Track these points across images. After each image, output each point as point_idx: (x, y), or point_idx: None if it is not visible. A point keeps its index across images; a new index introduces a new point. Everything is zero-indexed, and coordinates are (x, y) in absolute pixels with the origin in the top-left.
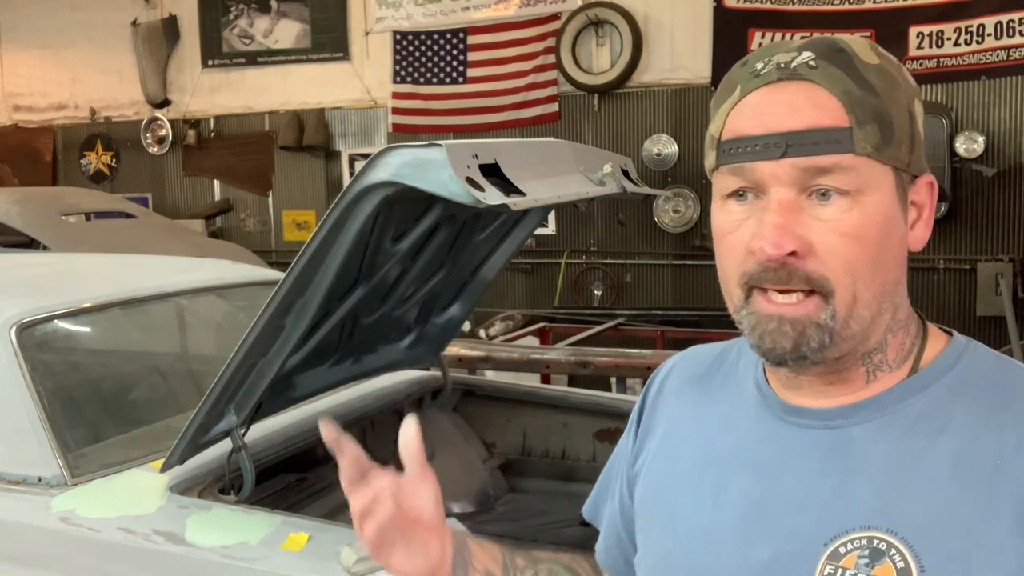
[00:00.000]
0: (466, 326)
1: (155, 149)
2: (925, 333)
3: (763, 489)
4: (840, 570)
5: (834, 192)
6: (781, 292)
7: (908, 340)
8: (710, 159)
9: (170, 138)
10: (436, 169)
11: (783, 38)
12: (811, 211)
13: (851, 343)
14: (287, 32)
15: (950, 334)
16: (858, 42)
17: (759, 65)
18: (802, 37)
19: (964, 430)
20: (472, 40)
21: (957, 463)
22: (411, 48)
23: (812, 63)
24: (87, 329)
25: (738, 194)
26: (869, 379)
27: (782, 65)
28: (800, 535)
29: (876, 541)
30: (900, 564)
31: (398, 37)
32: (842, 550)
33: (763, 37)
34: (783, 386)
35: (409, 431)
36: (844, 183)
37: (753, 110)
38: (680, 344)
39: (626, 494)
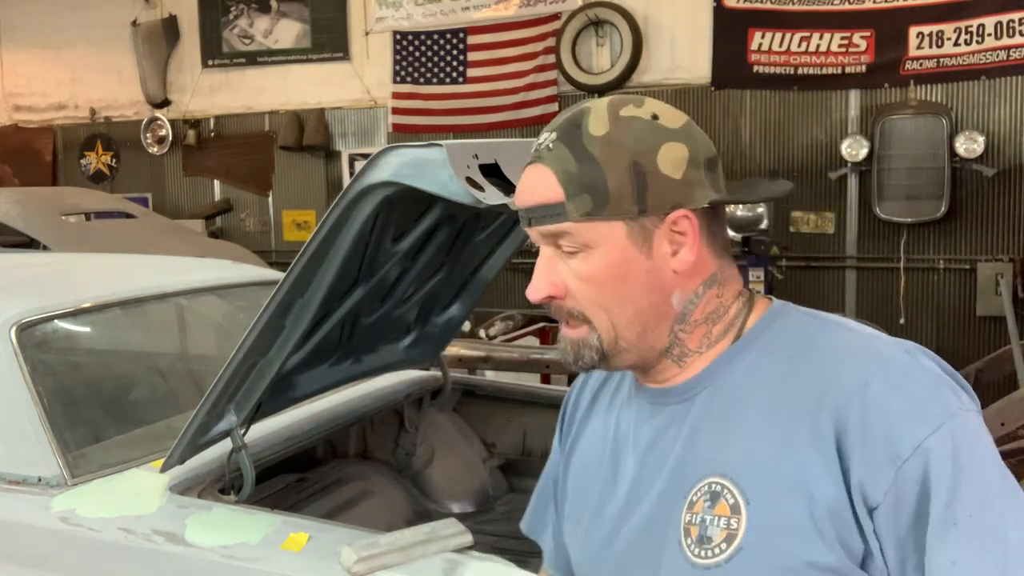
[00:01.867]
0: (466, 326)
1: (155, 149)
2: (750, 309)
3: (639, 463)
4: (694, 515)
5: (572, 251)
6: (568, 322)
7: (718, 327)
8: None
9: (170, 138)
10: (436, 169)
11: (783, 38)
12: (564, 261)
13: (633, 353)
14: (287, 32)
15: (771, 300)
16: (595, 113)
17: (539, 139)
18: (803, 38)
19: (772, 380)
20: (472, 40)
21: (768, 408)
22: (411, 48)
23: (551, 145)
24: (87, 329)
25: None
26: (681, 365)
27: (538, 147)
28: (667, 494)
29: (714, 485)
30: (731, 501)
31: (398, 37)
32: (694, 499)
33: (763, 37)
34: (640, 376)
35: None
36: (570, 243)
37: (519, 186)
38: None
39: (561, 499)
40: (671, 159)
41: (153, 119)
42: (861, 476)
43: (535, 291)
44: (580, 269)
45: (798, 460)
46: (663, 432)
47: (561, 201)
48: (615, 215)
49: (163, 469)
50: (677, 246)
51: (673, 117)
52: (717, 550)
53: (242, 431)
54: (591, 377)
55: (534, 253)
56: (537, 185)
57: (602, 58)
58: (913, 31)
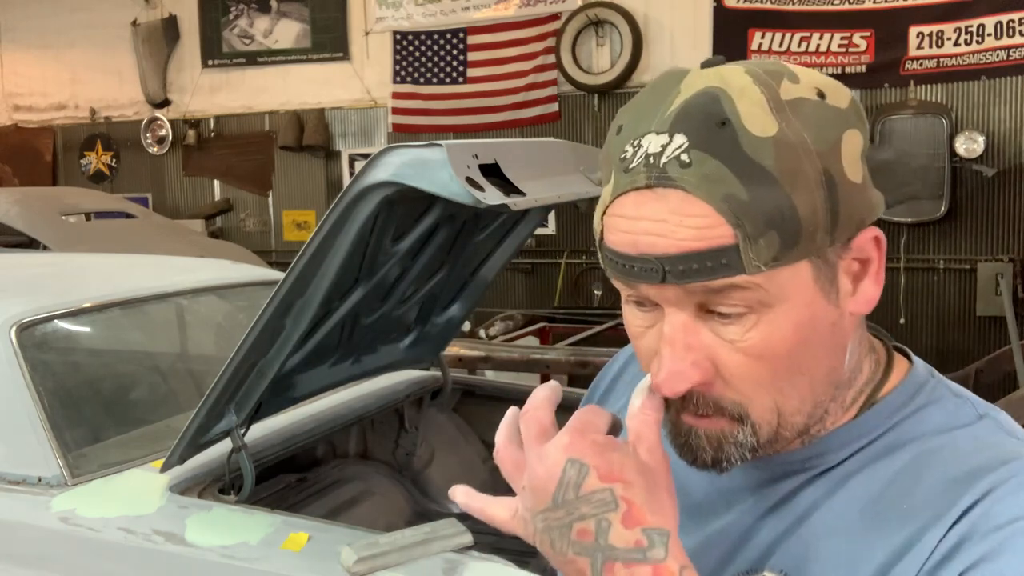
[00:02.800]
0: (466, 326)
1: (155, 149)
2: (886, 366)
3: (691, 528)
4: None
5: (733, 314)
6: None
7: (854, 392)
8: (600, 248)
9: (170, 138)
10: (436, 169)
11: (783, 38)
12: (713, 328)
13: (780, 443)
14: (287, 32)
15: (911, 363)
16: (747, 101)
17: (628, 151)
18: (803, 38)
19: (885, 478)
20: (472, 40)
21: (866, 511)
22: (411, 48)
23: (685, 157)
24: (87, 329)
25: (636, 303)
26: (803, 443)
27: (651, 161)
28: (722, 566)
29: None
30: None
31: (398, 37)
32: None
33: (763, 37)
34: None
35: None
36: (743, 300)
37: (623, 224)
38: None
39: None
40: (852, 156)
41: (153, 119)
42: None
43: (676, 379)
44: (750, 341)
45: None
46: (724, 497)
47: (732, 245)
48: (803, 254)
49: (163, 469)
50: (857, 280)
51: (838, 89)
52: None
53: (242, 431)
54: (629, 367)
55: (534, 253)
56: (679, 222)
57: (602, 58)
58: (913, 31)
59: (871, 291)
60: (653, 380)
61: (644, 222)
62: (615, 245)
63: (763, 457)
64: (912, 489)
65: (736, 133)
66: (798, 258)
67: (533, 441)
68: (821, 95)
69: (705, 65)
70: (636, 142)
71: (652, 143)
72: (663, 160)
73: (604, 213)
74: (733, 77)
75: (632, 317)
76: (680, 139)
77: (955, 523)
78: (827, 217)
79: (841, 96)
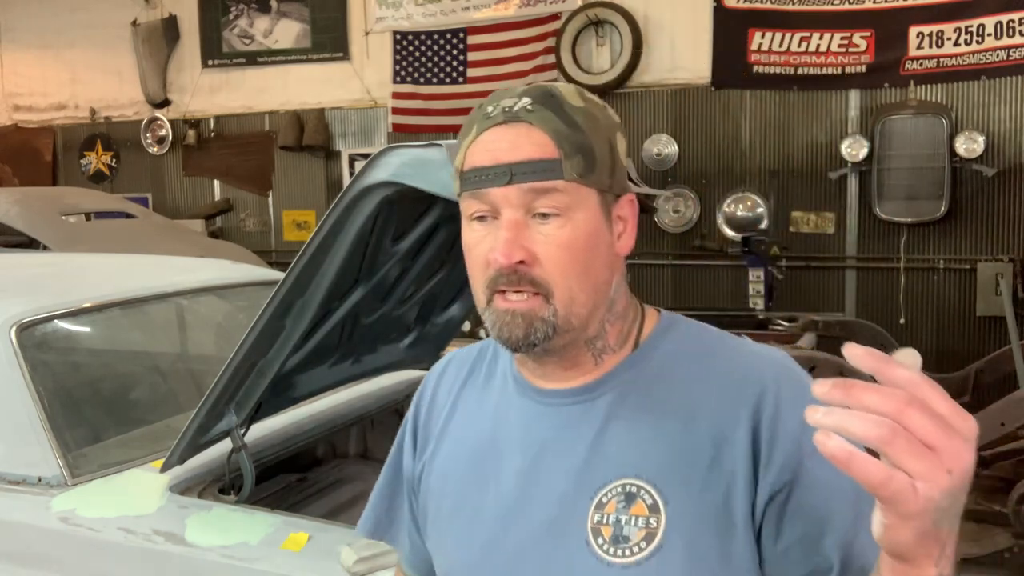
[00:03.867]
0: (466, 326)
1: (155, 149)
2: (643, 317)
3: (532, 463)
4: (606, 515)
5: (551, 214)
6: (514, 292)
7: (626, 326)
8: (456, 187)
9: (170, 138)
10: (436, 169)
11: (783, 38)
12: (535, 228)
13: (574, 333)
14: (287, 32)
15: (659, 311)
16: (567, 88)
17: (489, 109)
18: (803, 38)
19: (679, 385)
20: (472, 40)
21: (680, 409)
22: (411, 48)
23: (529, 107)
24: (87, 329)
25: (479, 217)
26: (597, 362)
27: (506, 109)
28: (570, 497)
29: (628, 487)
30: (649, 501)
31: (398, 37)
32: (604, 500)
33: (763, 37)
34: (532, 375)
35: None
36: (557, 203)
37: (485, 146)
38: None
39: (414, 502)
40: (622, 146)
41: (153, 119)
42: (769, 473)
43: (509, 253)
44: (558, 235)
45: (716, 457)
46: (560, 432)
47: (557, 158)
48: (596, 184)
49: (163, 469)
50: (621, 230)
51: (608, 107)
52: (636, 548)
53: (242, 431)
54: (447, 371)
55: None
56: (525, 141)
57: (602, 58)
58: (913, 31)
59: (628, 241)
60: (491, 255)
61: (501, 142)
62: (475, 163)
63: (554, 390)
64: (701, 393)
65: (560, 101)
66: (592, 185)
67: (961, 427)
68: (603, 105)
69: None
70: (495, 104)
71: (507, 102)
72: (515, 108)
73: (467, 149)
74: (558, 84)
75: (471, 233)
76: (526, 100)
77: (754, 426)
78: (610, 165)
79: (612, 112)
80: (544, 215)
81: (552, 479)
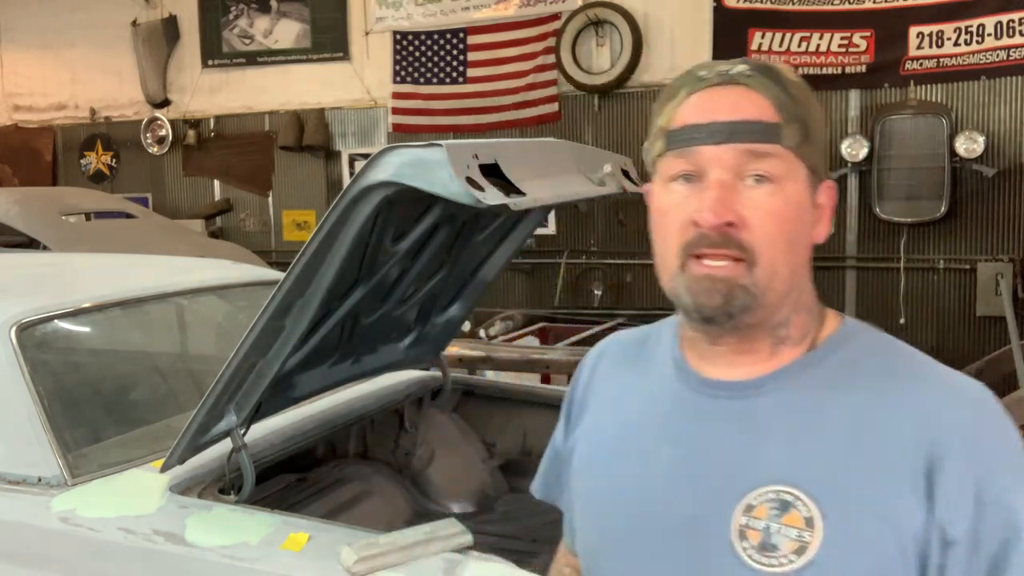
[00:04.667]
0: (466, 326)
1: (155, 149)
2: (823, 318)
3: (683, 455)
4: (754, 520)
5: (764, 178)
6: (713, 257)
7: (810, 322)
8: (657, 147)
9: (170, 138)
10: (436, 169)
11: (783, 38)
12: (744, 192)
13: (766, 311)
14: (287, 32)
15: (843, 316)
16: (780, 64)
17: (702, 72)
18: (803, 38)
19: (856, 397)
20: (472, 40)
21: (852, 425)
22: (411, 48)
23: (748, 72)
24: (87, 329)
25: (683, 177)
26: (773, 351)
27: (722, 72)
28: (717, 492)
29: (783, 494)
30: (806, 513)
31: (398, 37)
32: (754, 503)
33: (763, 37)
34: (699, 358)
35: None
36: (772, 169)
37: (700, 106)
38: None
39: (567, 474)
40: (824, 134)
41: (153, 119)
42: (945, 512)
43: (718, 212)
44: (769, 201)
45: (886, 486)
46: (716, 426)
47: (778, 122)
48: (808, 158)
49: (163, 469)
50: (819, 217)
51: None
52: (785, 560)
53: (242, 431)
54: (608, 350)
55: (534, 253)
56: (746, 102)
57: (602, 58)
58: (913, 31)
59: (824, 229)
60: (697, 215)
61: (718, 101)
62: (687, 120)
63: (717, 381)
64: (885, 412)
65: (778, 73)
66: (804, 159)
67: None
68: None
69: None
70: (708, 69)
71: (722, 67)
72: (732, 72)
73: (676, 109)
74: (768, 61)
75: (670, 194)
76: (743, 67)
77: (929, 465)
78: (821, 145)
79: None
80: (757, 178)
81: (701, 474)
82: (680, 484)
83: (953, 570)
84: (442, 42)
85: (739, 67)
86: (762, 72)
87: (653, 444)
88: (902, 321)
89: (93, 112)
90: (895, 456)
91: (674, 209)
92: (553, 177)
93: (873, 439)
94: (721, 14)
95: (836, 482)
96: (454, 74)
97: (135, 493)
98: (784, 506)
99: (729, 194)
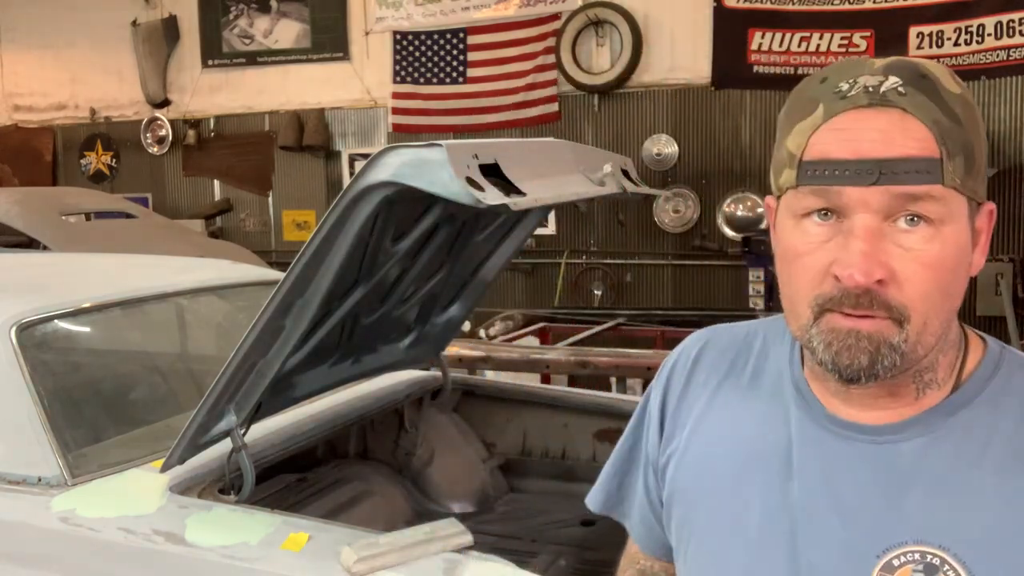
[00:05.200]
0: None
1: (155, 149)
2: (966, 344)
3: (813, 498)
4: None
5: (920, 219)
6: (859, 316)
7: (954, 356)
8: (787, 177)
9: (170, 138)
10: (436, 169)
11: (783, 38)
12: (894, 238)
13: (913, 364)
14: (287, 32)
15: (983, 340)
16: (939, 68)
17: (844, 86)
18: (803, 38)
19: (1005, 441)
20: (472, 40)
21: (1002, 475)
22: (411, 48)
23: (901, 89)
24: (87, 329)
25: (820, 213)
26: (919, 395)
27: (870, 89)
28: (852, 546)
29: (930, 556)
30: None
31: (398, 37)
32: (895, 563)
33: (763, 37)
34: (830, 394)
35: None
36: (931, 212)
37: (843, 134)
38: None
39: (652, 484)
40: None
41: (153, 119)
42: None
43: (868, 270)
44: (926, 250)
45: None
46: (849, 470)
47: (938, 158)
48: (971, 190)
49: (163, 469)
50: (975, 245)
51: None
52: None
53: (242, 431)
54: (704, 357)
55: (534, 253)
56: (900, 133)
57: (602, 58)
58: (913, 31)
59: (980, 260)
60: (839, 270)
61: (868, 132)
62: (828, 154)
63: (850, 422)
64: None
65: (936, 84)
66: (967, 192)
67: None
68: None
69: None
70: (851, 80)
71: (868, 80)
72: (882, 89)
73: (813, 133)
74: (922, 60)
75: (803, 235)
76: (894, 79)
77: None
78: (983, 168)
79: None
80: (910, 220)
81: (831, 521)
82: (807, 532)
83: None
84: (442, 42)
85: (891, 80)
86: (919, 87)
87: (773, 479)
88: None
89: (93, 112)
90: None
91: (810, 254)
92: (553, 177)
93: None
94: (721, 14)
95: (988, 546)
96: (454, 74)
97: (135, 493)
98: (931, 570)
99: (878, 245)
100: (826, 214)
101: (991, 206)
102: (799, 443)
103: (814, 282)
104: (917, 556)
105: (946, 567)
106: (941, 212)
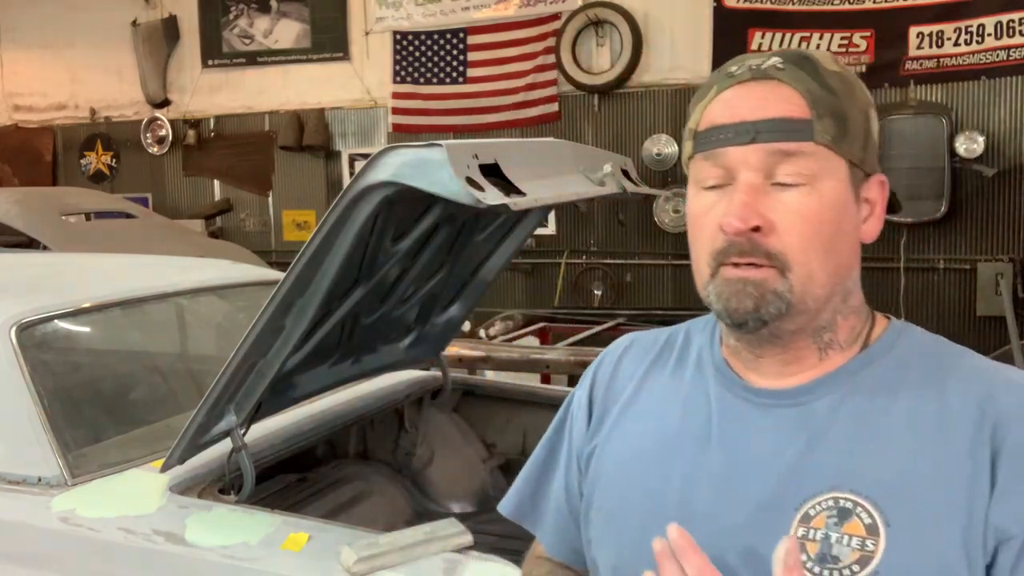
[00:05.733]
0: (466, 326)
1: (155, 149)
2: (873, 319)
3: (732, 464)
4: (812, 530)
5: (795, 183)
6: (746, 264)
7: (859, 324)
8: (687, 148)
9: (170, 138)
10: (436, 169)
11: (783, 38)
12: (774, 195)
13: (806, 316)
14: (287, 32)
15: (889, 318)
16: (822, 53)
17: (733, 68)
18: (803, 38)
19: (912, 397)
20: (472, 40)
21: (910, 426)
22: (411, 48)
23: (780, 66)
24: (87, 329)
25: (712, 187)
26: (821, 356)
27: (753, 67)
28: (771, 503)
29: (842, 501)
30: (867, 520)
31: (398, 37)
32: (812, 512)
33: (763, 37)
34: (745, 368)
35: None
36: (804, 168)
37: (727, 104)
38: None
39: (574, 479)
40: (875, 125)
41: (153, 119)
42: (1006, 506)
43: (744, 216)
44: (802, 203)
45: (950, 486)
46: (768, 435)
47: (808, 118)
48: (848, 153)
49: (163, 469)
50: (867, 213)
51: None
52: (847, 571)
53: (242, 431)
54: (629, 351)
55: (534, 253)
56: (773, 98)
57: (602, 58)
58: (913, 31)
59: (874, 227)
60: (723, 220)
61: (746, 99)
62: (714, 121)
63: (765, 390)
64: (941, 408)
65: (815, 64)
66: (843, 154)
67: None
68: (857, 78)
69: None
70: (740, 64)
71: (754, 61)
72: (763, 66)
73: (705, 108)
74: (807, 50)
75: (700, 200)
76: (776, 59)
77: (993, 457)
78: (863, 138)
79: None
80: (789, 179)
81: (751, 485)
82: (729, 496)
83: (1019, 567)
84: (442, 42)
85: (772, 60)
86: (796, 63)
87: (696, 453)
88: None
89: (93, 112)
90: (957, 455)
91: (703, 215)
92: (553, 177)
93: (933, 439)
94: (721, 14)
95: (898, 487)
96: (454, 74)
97: (135, 493)
98: (844, 513)
99: (757, 197)
100: (717, 187)
101: (881, 177)
102: (718, 415)
103: (709, 238)
104: (831, 503)
105: (858, 509)
106: (814, 168)
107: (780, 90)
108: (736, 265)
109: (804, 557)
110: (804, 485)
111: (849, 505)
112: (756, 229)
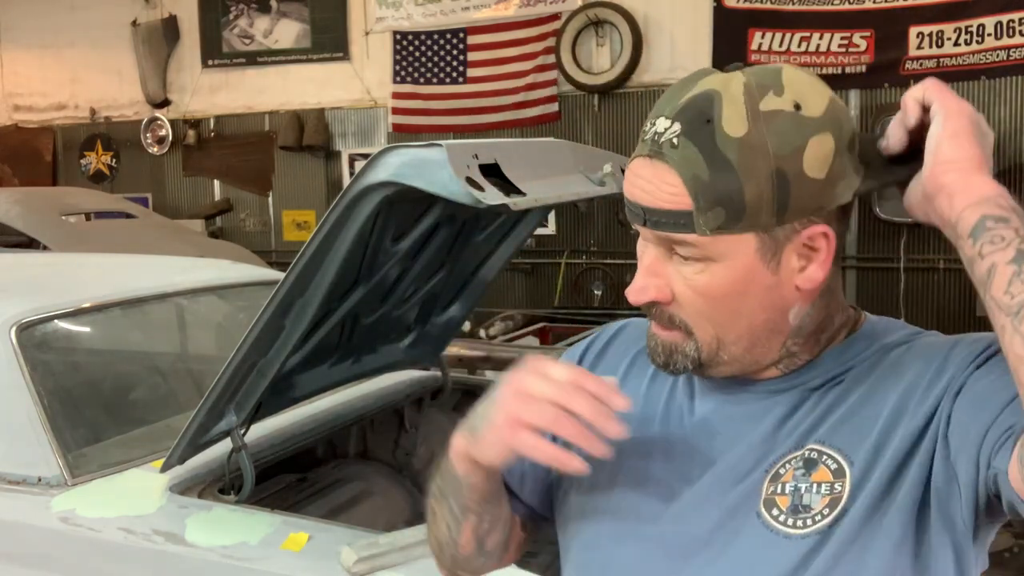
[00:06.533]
0: (466, 326)
1: (155, 149)
2: (856, 321)
3: (708, 442)
4: (781, 485)
5: (692, 256)
6: (657, 323)
7: (824, 337)
8: None
9: (170, 138)
10: (436, 169)
11: (783, 38)
12: (675, 266)
13: (736, 366)
14: (287, 32)
15: (866, 318)
16: (731, 107)
17: (647, 127)
18: (803, 38)
19: (873, 373)
20: (472, 40)
21: (870, 393)
22: (411, 48)
23: (675, 141)
24: (87, 329)
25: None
26: (784, 372)
27: (656, 137)
28: (742, 472)
29: (808, 452)
30: (833, 466)
31: (398, 37)
32: (781, 471)
33: (763, 37)
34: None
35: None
36: (693, 254)
37: (631, 178)
38: None
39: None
40: (817, 158)
41: (153, 119)
42: (962, 399)
43: (639, 292)
44: (696, 280)
45: (906, 420)
46: (736, 419)
47: (689, 211)
48: (748, 228)
49: (163, 469)
50: (806, 262)
51: (816, 99)
52: (819, 517)
53: (242, 431)
54: (624, 332)
55: (534, 253)
56: (660, 186)
57: (602, 58)
58: (913, 31)
59: (816, 274)
60: (627, 291)
61: (641, 180)
62: (626, 194)
63: (743, 379)
64: (898, 369)
65: (714, 131)
66: (743, 230)
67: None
68: (797, 107)
69: (727, 69)
70: (653, 121)
71: (661, 124)
72: (662, 139)
73: (628, 169)
74: (732, 84)
75: (639, 249)
76: (677, 127)
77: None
78: (773, 204)
79: (816, 106)
80: (686, 257)
81: (730, 459)
82: (709, 469)
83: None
84: (442, 42)
85: (673, 127)
86: (694, 137)
87: (678, 430)
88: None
89: (93, 112)
90: (911, 395)
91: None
92: (553, 177)
93: (891, 395)
94: (721, 14)
95: (859, 434)
96: (454, 74)
97: (135, 493)
98: (810, 464)
99: (656, 270)
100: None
101: (822, 228)
102: (699, 401)
103: None
104: (797, 459)
105: (824, 457)
106: (700, 254)
107: (667, 176)
108: (653, 322)
109: (776, 511)
110: (774, 450)
111: (814, 455)
112: (654, 302)
